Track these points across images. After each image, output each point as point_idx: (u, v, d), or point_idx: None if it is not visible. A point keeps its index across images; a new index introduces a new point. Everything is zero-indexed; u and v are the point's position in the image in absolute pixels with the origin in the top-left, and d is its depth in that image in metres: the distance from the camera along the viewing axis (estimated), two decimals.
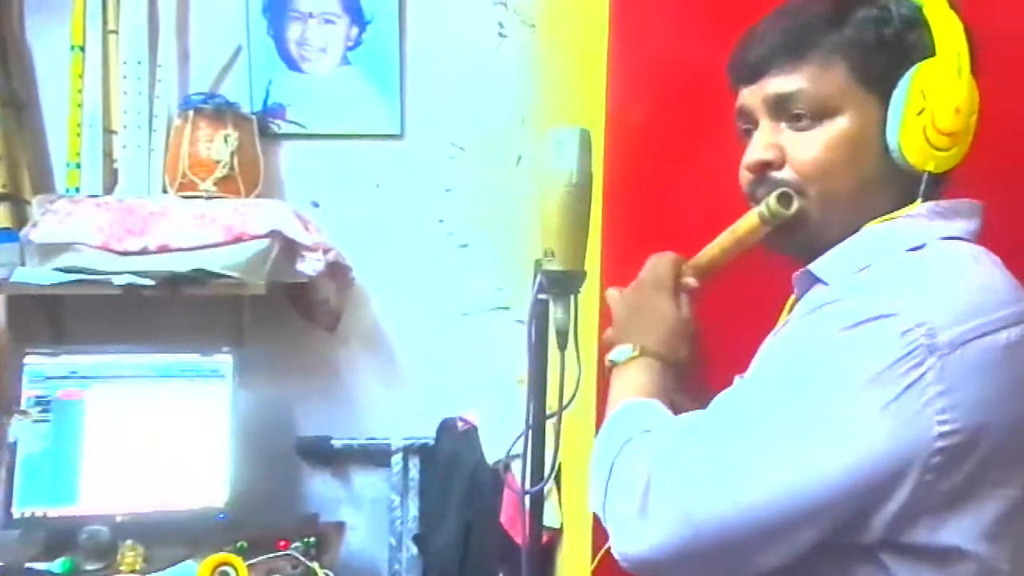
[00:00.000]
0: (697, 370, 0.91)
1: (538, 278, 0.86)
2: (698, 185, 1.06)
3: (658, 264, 0.91)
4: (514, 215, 1.87)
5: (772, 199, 0.75)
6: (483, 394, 1.80)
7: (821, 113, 0.74)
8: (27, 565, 1.50)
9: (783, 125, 0.77)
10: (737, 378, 0.78)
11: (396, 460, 1.89)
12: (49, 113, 1.81)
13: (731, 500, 0.63)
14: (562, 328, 0.86)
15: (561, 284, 0.84)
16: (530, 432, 0.91)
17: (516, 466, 0.98)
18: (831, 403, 0.62)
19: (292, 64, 1.85)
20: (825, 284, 0.71)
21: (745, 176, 0.80)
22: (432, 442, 1.86)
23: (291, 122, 1.87)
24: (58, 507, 1.57)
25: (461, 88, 1.87)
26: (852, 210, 0.75)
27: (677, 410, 0.78)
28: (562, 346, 0.86)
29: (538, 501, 0.97)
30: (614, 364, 0.86)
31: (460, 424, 1.74)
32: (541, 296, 0.87)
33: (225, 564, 1.45)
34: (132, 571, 1.52)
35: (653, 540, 0.65)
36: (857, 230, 0.74)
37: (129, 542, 1.55)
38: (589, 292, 1.03)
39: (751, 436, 0.64)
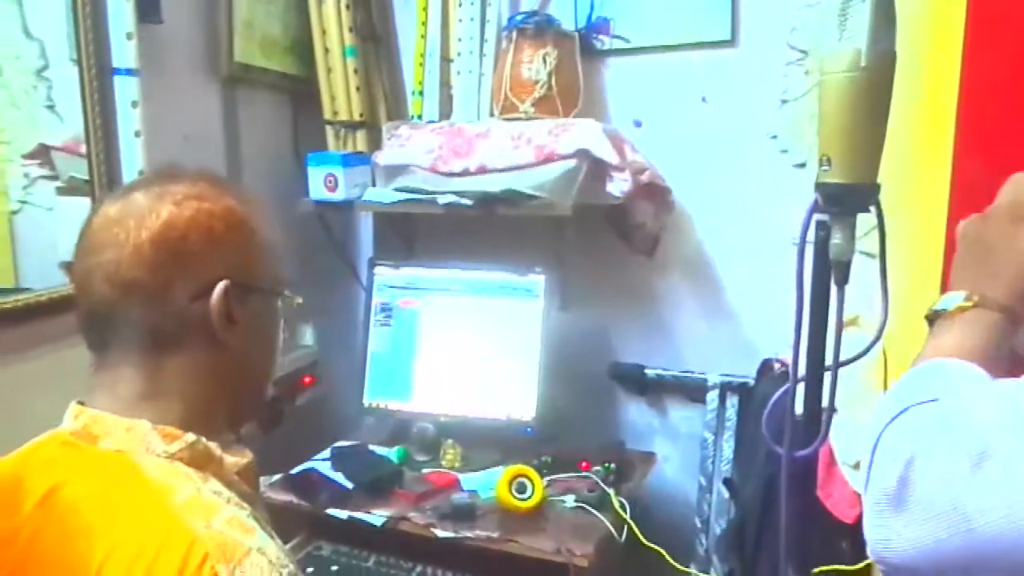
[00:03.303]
0: None
1: (814, 194, 0.68)
2: None
3: (1021, 186, 0.65)
4: None
5: None
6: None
7: None
8: (371, 447, 1.73)
9: None
10: None
11: (711, 397, 1.77)
12: (404, 45, 1.98)
13: None
14: (840, 258, 0.67)
15: (840, 201, 0.65)
16: (799, 387, 0.74)
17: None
18: None
19: None
20: None
21: None
22: (752, 382, 1.70)
23: (616, 37, 1.78)
24: (397, 401, 1.77)
25: None
26: None
27: None
28: (840, 281, 0.67)
29: (810, 468, 0.79)
30: (936, 315, 0.64)
31: (777, 367, 1.55)
32: (817, 216, 0.69)
33: (522, 476, 1.50)
34: (452, 467, 1.67)
35: (907, 542, 0.47)
36: None
37: (450, 441, 1.70)
38: (932, 225, 0.80)
39: None
